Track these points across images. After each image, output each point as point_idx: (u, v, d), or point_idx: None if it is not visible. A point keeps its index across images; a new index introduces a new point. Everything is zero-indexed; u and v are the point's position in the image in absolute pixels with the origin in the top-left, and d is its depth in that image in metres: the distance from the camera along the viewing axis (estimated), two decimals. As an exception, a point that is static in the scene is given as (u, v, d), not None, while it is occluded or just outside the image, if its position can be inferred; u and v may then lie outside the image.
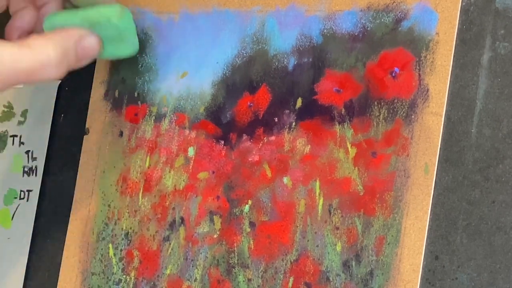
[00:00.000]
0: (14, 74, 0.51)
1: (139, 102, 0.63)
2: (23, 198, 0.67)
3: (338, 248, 0.53)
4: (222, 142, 0.59)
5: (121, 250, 0.61)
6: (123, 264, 0.61)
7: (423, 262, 0.50)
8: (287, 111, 0.56)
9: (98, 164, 0.63)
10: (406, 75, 0.53)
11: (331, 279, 0.53)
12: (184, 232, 0.59)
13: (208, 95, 0.60)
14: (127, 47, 0.58)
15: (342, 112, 0.54)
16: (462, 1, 0.52)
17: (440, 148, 0.51)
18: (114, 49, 0.57)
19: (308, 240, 0.54)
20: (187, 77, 0.61)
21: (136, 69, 0.63)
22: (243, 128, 0.58)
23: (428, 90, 0.52)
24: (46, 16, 0.57)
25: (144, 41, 0.63)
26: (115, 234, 0.62)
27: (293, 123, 0.56)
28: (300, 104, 0.56)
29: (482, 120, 0.50)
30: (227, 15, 0.60)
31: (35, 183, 0.67)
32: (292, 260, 0.54)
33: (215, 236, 0.57)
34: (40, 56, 0.52)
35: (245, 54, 0.59)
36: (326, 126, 0.55)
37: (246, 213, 0.56)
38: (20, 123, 0.69)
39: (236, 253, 0.56)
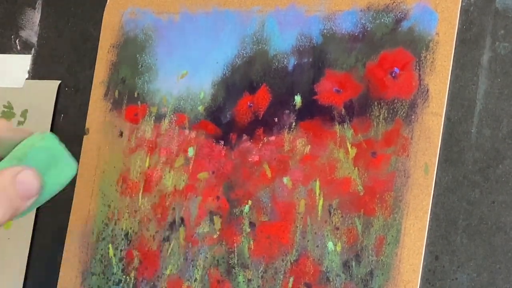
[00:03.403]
0: None
1: (139, 102, 0.63)
2: (23, 198, 0.67)
3: (338, 248, 0.53)
4: (222, 142, 0.58)
5: (121, 251, 0.61)
6: (123, 265, 0.61)
7: (423, 262, 0.50)
8: (287, 111, 0.56)
9: (98, 164, 0.63)
10: (406, 75, 0.53)
11: (331, 279, 0.53)
12: (184, 233, 0.59)
13: (208, 95, 0.60)
14: (65, 170, 0.55)
15: (342, 112, 0.54)
16: (462, 1, 0.52)
17: (440, 148, 0.51)
18: (53, 178, 0.54)
19: (308, 240, 0.54)
20: (187, 77, 0.61)
21: (136, 69, 0.63)
22: (243, 128, 0.58)
23: (428, 90, 0.52)
24: None
25: (144, 41, 0.63)
26: (115, 234, 0.62)
27: (293, 123, 0.56)
28: (300, 104, 0.56)
29: (482, 120, 0.50)
30: (227, 15, 0.60)
31: (35, 183, 0.67)
32: (292, 260, 0.54)
33: (215, 236, 0.57)
34: None
35: (245, 54, 0.59)
36: (326, 126, 0.55)
37: (246, 213, 0.56)
38: (20, 123, 0.69)
39: (236, 253, 0.56)
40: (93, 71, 0.66)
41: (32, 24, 0.71)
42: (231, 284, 0.56)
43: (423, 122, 0.51)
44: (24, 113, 0.69)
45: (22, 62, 0.71)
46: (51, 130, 0.67)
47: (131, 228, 0.61)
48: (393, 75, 0.53)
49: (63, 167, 0.54)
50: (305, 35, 0.57)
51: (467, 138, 0.50)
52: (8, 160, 0.54)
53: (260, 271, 0.55)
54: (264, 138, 0.57)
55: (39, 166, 0.54)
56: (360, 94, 0.54)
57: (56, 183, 0.55)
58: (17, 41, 0.71)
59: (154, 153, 0.61)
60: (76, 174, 0.65)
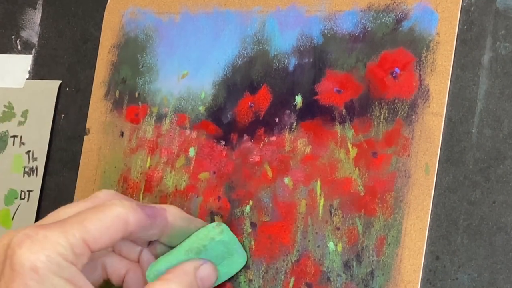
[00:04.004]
0: None
1: (139, 102, 0.63)
2: (23, 199, 0.67)
3: (339, 248, 0.53)
4: (223, 142, 0.59)
5: (122, 251, 0.61)
6: (124, 265, 0.61)
7: (423, 262, 0.50)
8: (287, 112, 0.56)
9: (99, 165, 0.63)
10: (406, 75, 0.53)
11: (332, 279, 0.53)
12: (185, 233, 0.59)
13: (209, 95, 0.60)
14: (237, 260, 0.55)
15: (343, 113, 0.54)
16: (462, 1, 0.52)
17: (440, 149, 0.51)
18: (226, 267, 0.55)
19: (309, 241, 0.54)
20: (188, 78, 0.61)
21: (136, 69, 0.63)
22: (244, 129, 0.58)
23: (428, 90, 0.52)
24: (147, 269, 0.54)
25: (144, 41, 0.63)
26: (116, 235, 0.62)
27: (294, 124, 0.56)
28: (301, 104, 0.56)
29: (483, 120, 0.50)
30: (227, 16, 0.60)
31: (35, 183, 0.67)
32: (293, 261, 0.54)
33: (216, 236, 0.57)
34: None
35: (245, 55, 0.59)
36: (327, 127, 0.55)
37: (247, 214, 0.56)
38: (20, 123, 0.69)
39: (237, 254, 0.56)
40: (94, 71, 0.66)
41: (32, 24, 0.71)
42: (232, 284, 0.56)
43: (424, 122, 0.51)
44: (24, 113, 0.69)
45: (22, 62, 0.71)
46: (52, 130, 0.67)
47: (132, 228, 0.61)
48: (393, 75, 0.53)
49: (235, 258, 0.55)
50: (305, 35, 0.57)
51: (468, 138, 0.51)
52: (185, 252, 0.53)
53: (261, 271, 0.55)
54: (265, 138, 0.57)
55: (215, 258, 0.54)
56: (360, 94, 0.54)
57: (227, 273, 0.55)
58: (17, 41, 0.71)
59: (155, 153, 0.61)
60: (77, 175, 0.65)
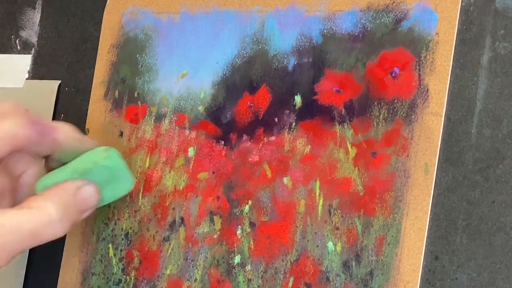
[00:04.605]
0: (17, 239, 0.50)
1: (139, 102, 0.63)
2: (23, 198, 0.67)
3: (338, 248, 0.53)
4: (222, 142, 0.59)
5: (121, 250, 0.61)
6: (123, 265, 0.61)
7: (423, 262, 0.50)
8: (287, 111, 0.56)
9: (98, 164, 0.63)
10: (406, 75, 0.53)
11: (331, 279, 0.53)
12: (184, 233, 0.59)
13: (208, 95, 0.60)
14: (123, 185, 0.57)
15: (342, 112, 0.54)
16: (462, 1, 0.52)
17: (440, 148, 0.51)
18: (111, 191, 0.57)
19: (308, 240, 0.54)
20: (187, 77, 0.61)
21: (136, 69, 0.63)
22: (243, 128, 0.58)
23: (428, 90, 0.52)
24: (36, 181, 0.56)
25: (144, 41, 0.63)
26: (115, 234, 0.62)
27: (293, 123, 0.56)
28: (300, 104, 0.56)
29: (482, 120, 0.50)
30: (227, 15, 0.60)
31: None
32: (292, 260, 0.54)
33: (215, 236, 0.57)
34: (41, 216, 0.51)
35: (245, 54, 0.59)
36: (326, 126, 0.55)
37: (246, 213, 0.56)
38: (20, 123, 0.69)
39: (236, 253, 0.56)
40: (93, 71, 0.66)
41: (32, 24, 0.71)
42: (231, 284, 0.56)
43: (423, 122, 0.51)
44: (24, 113, 0.69)
45: (22, 62, 0.71)
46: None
47: (131, 228, 0.61)
48: (393, 75, 0.53)
49: (121, 182, 0.57)
50: (305, 35, 0.57)
51: (467, 138, 0.50)
52: (71, 172, 0.56)
53: (260, 271, 0.55)
54: (264, 138, 0.57)
55: (99, 181, 0.56)
56: (360, 94, 0.54)
57: (111, 196, 0.57)
58: (17, 41, 0.71)
59: (154, 153, 0.61)
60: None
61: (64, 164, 0.57)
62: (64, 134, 0.56)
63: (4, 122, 0.53)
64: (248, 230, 0.56)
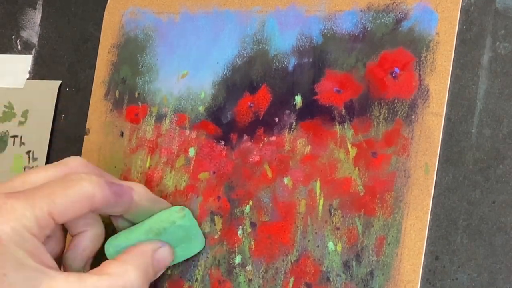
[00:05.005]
0: None
1: (139, 102, 0.63)
2: (24, 198, 0.67)
3: (339, 248, 0.53)
4: (223, 142, 0.59)
5: (122, 250, 0.61)
6: (124, 264, 0.61)
7: (423, 262, 0.50)
8: (287, 111, 0.56)
9: (99, 165, 0.63)
10: (406, 75, 0.53)
11: (331, 279, 0.53)
12: (184, 233, 0.59)
13: (209, 95, 0.60)
14: (195, 244, 0.57)
15: (343, 112, 0.54)
16: (462, 1, 0.52)
17: (440, 148, 0.51)
18: (183, 250, 0.56)
19: (308, 241, 0.54)
20: (188, 77, 0.61)
21: (136, 69, 0.63)
22: (243, 129, 0.58)
23: (428, 90, 0.52)
24: (106, 242, 0.56)
25: (144, 41, 0.63)
26: (116, 234, 0.62)
27: (294, 123, 0.56)
28: (301, 104, 0.56)
29: (482, 120, 0.50)
30: (227, 15, 0.60)
31: (36, 183, 0.67)
32: (292, 261, 0.54)
33: (216, 236, 0.57)
34: (122, 282, 0.51)
35: (245, 54, 0.59)
36: (327, 126, 0.55)
37: (247, 214, 0.57)
38: (20, 123, 0.69)
39: (236, 254, 0.56)
40: (94, 71, 0.66)
41: (32, 24, 0.71)
42: (232, 284, 0.56)
43: (424, 122, 0.51)
44: (24, 113, 0.69)
45: (22, 62, 0.71)
46: (52, 130, 0.67)
47: (132, 228, 0.61)
48: (393, 75, 0.53)
49: (193, 242, 0.57)
50: (305, 35, 0.57)
51: (468, 138, 0.50)
52: (145, 232, 0.55)
53: (260, 271, 0.55)
54: (265, 138, 0.57)
55: (173, 241, 0.55)
56: (360, 94, 0.54)
57: (183, 255, 0.56)
58: (17, 41, 0.71)
59: (154, 153, 0.61)
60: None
61: (133, 224, 0.56)
62: (139, 195, 0.55)
63: (81, 183, 0.51)
64: (249, 230, 0.56)
